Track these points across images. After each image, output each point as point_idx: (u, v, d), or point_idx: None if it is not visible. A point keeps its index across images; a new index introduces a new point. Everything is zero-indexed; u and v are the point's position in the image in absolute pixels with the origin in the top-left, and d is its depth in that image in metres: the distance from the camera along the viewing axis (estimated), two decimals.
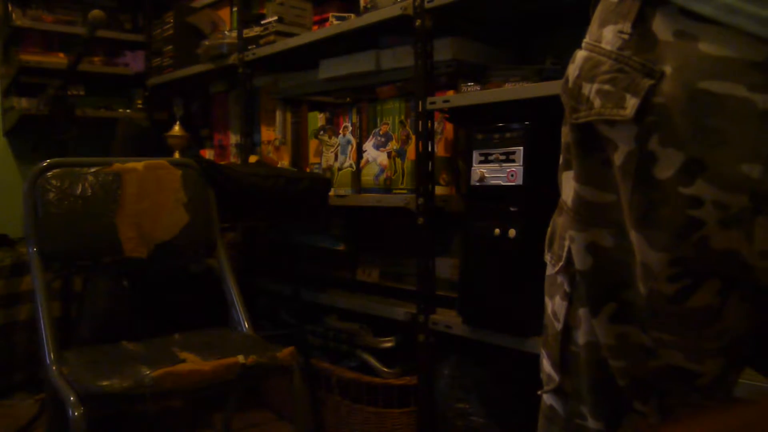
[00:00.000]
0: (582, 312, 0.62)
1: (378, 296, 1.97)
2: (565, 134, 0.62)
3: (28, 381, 2.35)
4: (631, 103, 0.51)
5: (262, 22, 2.27)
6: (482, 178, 1.48)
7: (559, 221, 0.66)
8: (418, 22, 1.66)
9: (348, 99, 2.19)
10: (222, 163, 2.34)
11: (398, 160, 1.84)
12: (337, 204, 1.97)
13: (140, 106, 3.11)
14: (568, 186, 0.61)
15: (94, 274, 2.04)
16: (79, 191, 1.58)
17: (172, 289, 2.24)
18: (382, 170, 1.88)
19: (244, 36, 2.34)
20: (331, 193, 2.00)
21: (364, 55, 1.96)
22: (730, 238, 0.49)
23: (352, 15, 1.95)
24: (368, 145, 1.94)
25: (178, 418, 2.14)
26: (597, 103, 0.54)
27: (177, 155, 2.36)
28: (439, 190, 1.73)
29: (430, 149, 1.68)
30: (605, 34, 0.55)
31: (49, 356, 1.34)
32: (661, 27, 0.51)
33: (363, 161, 1.95)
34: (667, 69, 0.49)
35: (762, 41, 0.46)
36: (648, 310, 0.57)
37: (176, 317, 1.78)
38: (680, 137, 0.49)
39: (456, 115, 1.75)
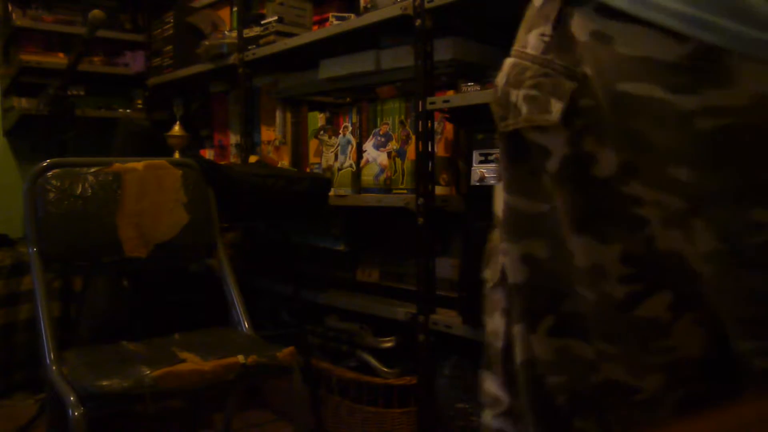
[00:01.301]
0: (517, 329, 0.60)
1: (378, 296, 1.97)
2: (499, 147, 0.61)
3: (28, 381, 2.35)
4: (557, 107, 0.50)
5: (262, 22, 2.27)
6: (482, 178, 1.48)
7: (494, 235, 0.65)
8: (418, 22, 1.66)
9: (348, 99, 2.19)
10: (222, 163, 2.34)
11: (398, 160, 1.84)
12: (337, 204, 1.97)
13: (140, 106, 3.11)
14: (499, 197, 0.60)
15: (94, 274, 2.04)
16: (79, 191, 1.58)
17: (172, 289, 2.24)
18: (382, 170, 1.88)
19: (244, 36, 2.34)
20: (331, 193, 2.00)
21: (364, 55, 1.96)
22: (673, 238, 0.48)
23: (352, 15, 1.95)
24: (368, 145, 1.94)
25: (178, 418, 2.14)
26: (524, 109, 0.53)
27: (177, 155, 2.36)
28: (439, 190, 1.73)
29: (430, 149, 1.68)
30: (530, 39, 0.55)
31: (49, 356, 1.34)
32: (578, 28, 0.50)
33: (363, 161, 1.95)
34: (588, 70, 0.49)
35: (678, 39, 0.43)
36: (595, 317, 0.55)
37: (176, 317, 1.78)
38: (612, 139, 0.49)
39: (456, 115, 1.75)
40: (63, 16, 2.93)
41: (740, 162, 0.43)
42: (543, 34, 0.52)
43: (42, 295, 1.44)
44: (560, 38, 0.51)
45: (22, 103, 2.86)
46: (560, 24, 0.51)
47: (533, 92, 0.52)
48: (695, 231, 0.47)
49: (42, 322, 1.39)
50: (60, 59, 2.85)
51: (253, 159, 2.36)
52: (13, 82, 2.92)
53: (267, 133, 2.43)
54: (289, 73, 2.32)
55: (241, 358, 1.32)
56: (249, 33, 2.33)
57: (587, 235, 0.52)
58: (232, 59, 2.38)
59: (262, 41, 2.26)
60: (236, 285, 1.65)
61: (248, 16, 2.41)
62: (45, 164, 1.58)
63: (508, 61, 0.57)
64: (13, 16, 2.81)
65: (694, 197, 0.45)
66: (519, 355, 0.60)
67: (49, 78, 2.75)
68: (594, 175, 0.50)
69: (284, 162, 2.33)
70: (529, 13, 0.57)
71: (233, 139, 2.65)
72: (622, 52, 0.46)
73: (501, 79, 0.57)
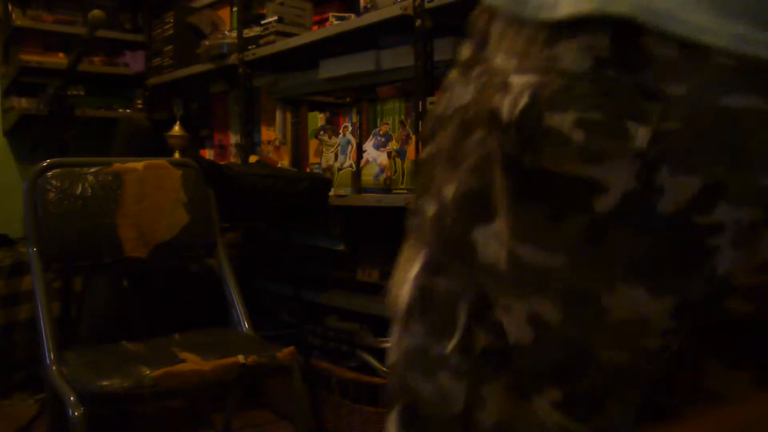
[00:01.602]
0: (487, 390, 0.53)
1: (378, 296, 1.97)
2: (467, 182, 0.52)
3: (28, 381, 2.35)
4: (641, 132, 0.43)
5: (262, 22, 2.27)
6: None
7: (440, 283, 0.56)
8: (418, 22, 1.66)
9: (348, 99, 2.19)
10: (222, 163, 2.34)
11: (398, 160, 1.84)
12: (337, 204, 1.97)
13: (140, 106, 3.11)
14: (492, 243, 0.51)
15: (94, 274, 2.04)
16: (79, 191, 1.58)
17: (172, 289, 2.24)
18: (382, 170, 1.88)
19: (244, 36, 2.34)
20: (331, 193, 2.00)
21: (364, 55, 1.96)
22: (736, 258, 0.45)
23: (352, 15, 1.95)
24: (368, 145, 1.94)
25: (178, 418, 2.14)
26: (579, 136, 0.44)
27: (177, 155, 2.36)
28: None
29: None
30: (561, 53, 0.46)
31: (49, 356, 1.34)
32: (655, 38, 0.43)
33: (363, 161, 1.95)
34: (676, 88, 0.43)
35: None
36: (618, 378, 0.50)
37: (176, 317, 1.78)
38: (697, 162, 0.43)
39: None
40: (63, 16, 2.93)
41: None
42: (590, 47, 0.45)
43: (42, 295, 1.44)
44: (625, 51, 0.44)
45: (22, 103, 2.86)
46: (621, 35, 0.44)
47: (594, 115, 0.44)
48: (763, 240, 0.45)
49: (42, 322, 1.39)
50: (60, 59, 2.85)
51: (253, 159, 2.36)
52: (13, 82, 2.92)
53: (267, 133, 2.43)
54: (289, 73, 2.32)
55: (241, 358, 1.32)
56: (249, 33, 2.33)
57: (639, 285, 0.46)
58: (232, 59, 2.38)
59: (262, 41, 2.26)
60: (236, 285, 1.65)
61: (248, 16, 2.42)
62: (45, 164, 1.58)
63: (523, 80, 0.47)
64: (13, 16, 2.81)
65: None
66: (491, 417, 0.53)
67: (49, 78, 2.75)
68: (659, 211, 0.44)
69: (284, 162, 2.33)
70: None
71: (233, 139, 2.65)
72: (721, 63, 0.42)
73: (514, 100, 0.47)
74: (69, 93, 2.04)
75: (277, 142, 2.37)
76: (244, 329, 1.58)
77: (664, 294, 0.46)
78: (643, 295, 0.46)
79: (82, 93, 2.83)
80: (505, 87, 0.48)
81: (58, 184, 1.56)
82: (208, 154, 2.80)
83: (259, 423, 2.11)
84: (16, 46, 2.87)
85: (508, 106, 0.47)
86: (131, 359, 1.34)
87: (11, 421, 2.08)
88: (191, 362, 1.30)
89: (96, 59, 3.00)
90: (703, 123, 0.43)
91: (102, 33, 2.77)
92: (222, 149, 2.74)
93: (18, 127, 2.97)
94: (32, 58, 2.82)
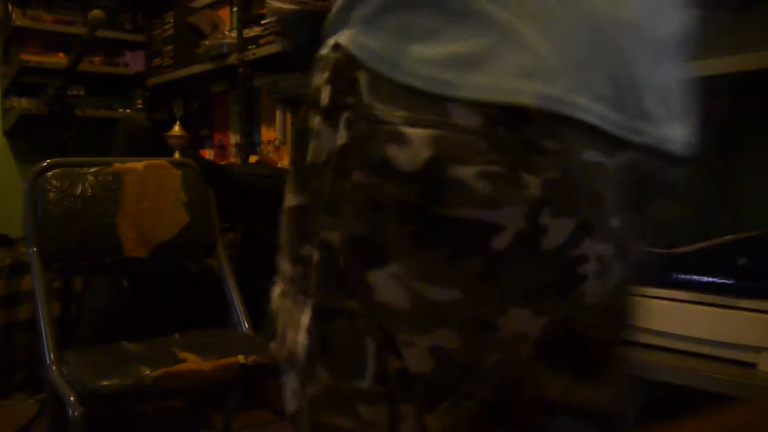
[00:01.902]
0: (405, 408, 0.57)
1: None
2: (353, 226, 0.54)
3: (28, 381, 2.35)
4: (532, 181, 0.49)
5: (262, 22, 2.27)
6: None
7: (339, 326, 0.57)
8: None
9: None
10: (222, 163, 2.34)
11: None
12: None
13: (140, 106, 3.11)
14: (391, 285, 0.53)
15: (94, 274, 2.04)
16: (79, 191, 1.58)
17: (172, 289, 2.24)
18: None
19: (244, 36, 2.34)
20: None
21: None
22: (596, 285, 0.53)
23: None
24: None
25: (178, 418, 2.14)
26: (482, 186, 0.49)
27: (177, 155, 2.36)
28: None
29: None
30: (451, 110, 0.49)
31: (49, 356, 1.34)
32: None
33: None
34: (552, 144, 0.48)
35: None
36: (494, 377, 0.55)
37: (176, 317, 1.78)
38: (573, 206, 0.50)
39: None
40: (63, 16, 2.93)
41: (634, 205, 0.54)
42: (479, 107, 0.49)
43: (42, 295, 1.44)
44: (510, 112, 0.49)
45: (22, 103, 2.86)
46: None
47: (495, 168, 0.49)
48: (613, 271, 0.53)
49: (42, 322, 1.39)
50: (60, 59, 2.85)
51: (253, 159, 2.36)
52: (13, 82, 2.92)
53: (267, 133, 2.44)
54: (289, 73, 2.32)
55: (241, 358, 1.33)
56: (249, 33, 2.33)
57: (526, 308, 0.53)
58: (232, 59, 2.38)
59: (262, 41, 2.26)
60: (236, 285, 1.65)
61: (248, 16, 2.42)
62: (45, 164, 1.58)
63: (423, 133, 0.50)
64: (13, 16, 2.81)
65: (620, 242, 0.52)
66: (409, 429, 0.57)
67: (49, 78, 2.75)
68: (542, 247, 0.51)
69: (284, 162, 2.33)
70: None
71: (233, 139, 2.65)
72: (580, 119, 0.49)
73: (416, 152, 0.50)
74: (69, 93, 2.04)
75: (277, 142, 2.37)
76: (244, 329, 1.58)
77: (543, 313, 0.53)
78: (528, 315, 0.53)
79: (82, 93, 2.84)
80: (399, 137, 0.50)
81: (58, 184, 1.57)
82: (208, 154, 2.80)
83: (259, 423, 2.11)
84: (16, 46, 2.87)
85: (408, 157, 0.50)
86: (131, 359, 1.34)
87: (11, 421, 2.08)
88: (191, 362, 1.31)
89: (96, 59, 3.01)
90: (574, 173, 0.49)
91: (102, 33, 2.77)
92: (222, 149, 2.74)
93: (18, 127, 2.97)
94: (32, 58, 2.82)
